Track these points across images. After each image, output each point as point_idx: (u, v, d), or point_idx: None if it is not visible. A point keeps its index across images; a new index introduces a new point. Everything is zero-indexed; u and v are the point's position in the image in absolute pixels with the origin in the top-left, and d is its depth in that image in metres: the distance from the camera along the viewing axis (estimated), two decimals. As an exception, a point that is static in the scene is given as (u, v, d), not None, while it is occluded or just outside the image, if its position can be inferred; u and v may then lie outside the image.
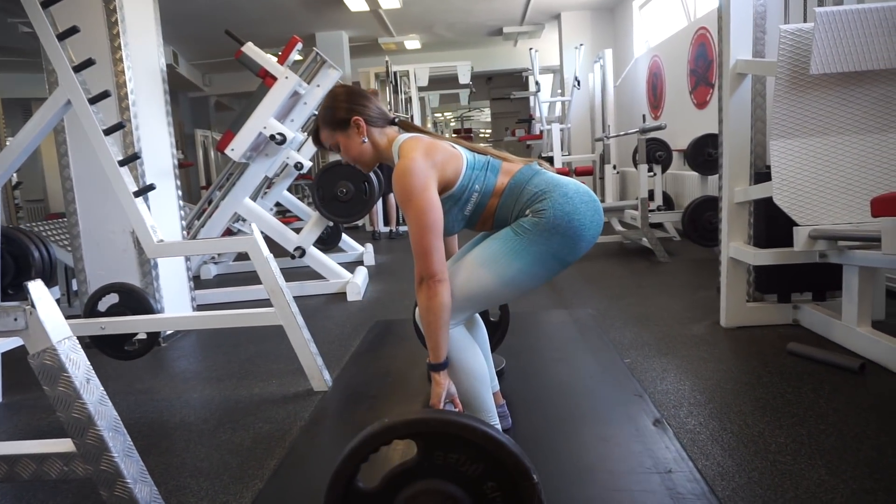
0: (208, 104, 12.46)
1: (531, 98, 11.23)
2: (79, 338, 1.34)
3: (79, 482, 1.78)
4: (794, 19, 2.95)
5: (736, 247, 2.85)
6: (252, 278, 5.00)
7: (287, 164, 4.99)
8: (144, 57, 3.34)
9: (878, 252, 2.20)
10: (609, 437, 1.82)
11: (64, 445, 1.25)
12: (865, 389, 2.11)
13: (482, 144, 1.72)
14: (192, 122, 11.74)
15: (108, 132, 2.40)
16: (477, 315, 1.91)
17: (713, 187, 4.89)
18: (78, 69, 2.39)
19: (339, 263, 4.67)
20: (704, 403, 2.08)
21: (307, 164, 4.76)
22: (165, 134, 3.51)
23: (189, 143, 10.86)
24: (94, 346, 2.63)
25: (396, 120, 1.69)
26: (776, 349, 2.55)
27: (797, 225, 2.45)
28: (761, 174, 2.83)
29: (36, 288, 1.23)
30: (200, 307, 3.93)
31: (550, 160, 7.81)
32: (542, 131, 8.89)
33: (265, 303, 3.05)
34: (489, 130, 17.79)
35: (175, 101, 3.37)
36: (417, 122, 9.96)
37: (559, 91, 9.19)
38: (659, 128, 4.53)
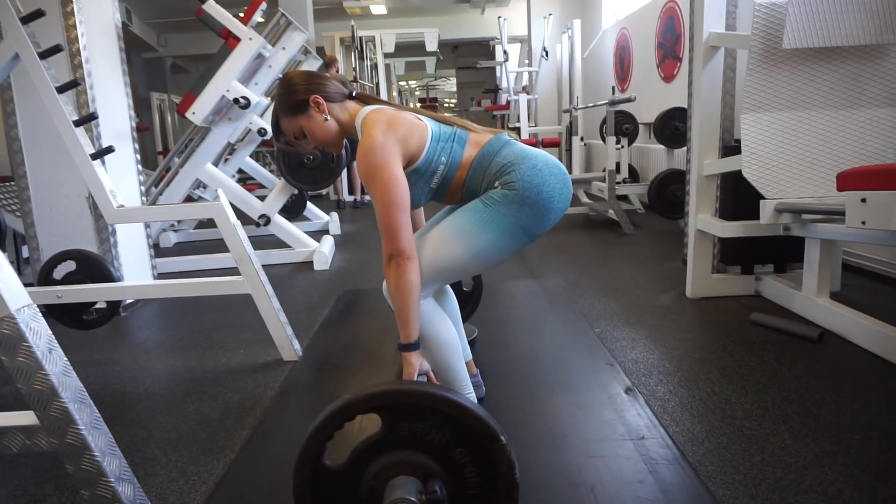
0: (164, 66, 11.96)
1: (498, 68, 11.15)
2: (38, 306, 1.26)
3: (39, 456, 1.71)
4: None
5: (703, 219, 2.89)
6: (214, 247, 4.89)
7: (250, 130, 4.84)
8: (97, 11, 3.16)
9: (840, 225, 2.26)
10: (582, 405, 1.85)
11: (26, 418, 1.19)
12: (824, 357, 2.19)
13: (448, 114, 1.67)
14: (146, 84, 11.26)
15: (61, 90, 2.26)
16: (447, 286, 1.89)
17: (679, 161, 4.95)
18: (26, 20, 2.23)
19: (305, 232, 4.58)
20: (673, 372, 2.13)
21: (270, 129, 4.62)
22: (122, 94, 3.34)
23: (144, 106, 10.43)
24: (51, 315, 2.51)
25: (354, 93, 1.64)
26: (740, 319, 2.62)
27: (764, 198, 2.50)
28: (729, 148, 2.86)
29: (-8, 253, 1.15)
30: (161, 276, 3.81)
31: (517, 131, 7.79)
32: (508, 102, 8.85)
33: (229, 272, 2.97)
34: (455, 100, 17.62)
35: (129, 61, 3.20)
36: (383, 89, 9.79)
37: (527, 61, 9.13)
38: (629, 100, 4.54)
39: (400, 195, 1.43)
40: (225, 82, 3.90)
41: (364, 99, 1.66)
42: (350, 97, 1.63)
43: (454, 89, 17.93)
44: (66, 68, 2.88)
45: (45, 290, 2.37)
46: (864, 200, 1.96)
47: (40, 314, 1.21)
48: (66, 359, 1.21)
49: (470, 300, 2.47)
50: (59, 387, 1.17)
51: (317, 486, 1.02)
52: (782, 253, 2.91)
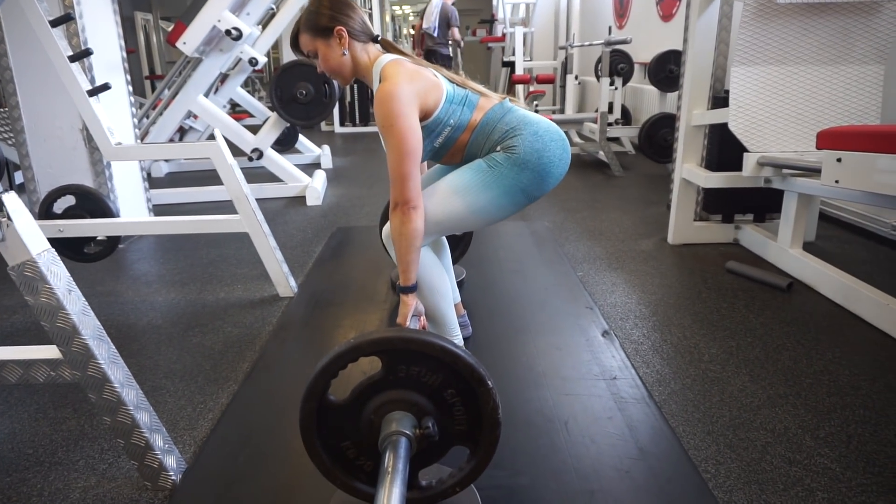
0: (148, -17, 11.45)
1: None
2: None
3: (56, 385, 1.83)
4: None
5: (689, 168, 2.97)
6: (206, 178, 4.92)
7: (241, 60, 4.76)
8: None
9: (817, 181, 2.35)
10: (561, 347, 1.99)
11: (50, 352, 1.30)
12: (791, 305, 2.33)
13: (460, 76, 1.72)
14: (130, 2, 10.82)
15: (54, 23, 2.24)
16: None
17: (671, 104, 4.96)
18: (16, -50, 2.19)
19: (296, 165, 4.60)
20: (648, 316, 2.27)
21: (262, 59, 4.55)
22: (112, 24, 3.28)
23: (128, 26, 10.06)
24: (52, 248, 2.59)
25: (379, 38, 1.66)
26: (716, 267, 2.75)
27: (747, 151, 2.57)
28: (719, 98, 2.90)
29: (11, 200, 1.22)
30: (156, 208, 3.86)
31: (512, 65, 7.68)
32: (504, 34, 8.66)
33: (223, 204, 3.02)
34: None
35: None
36: (376, 15, 9.52)
37: (525, -9, 8.86)
38: (624, 41, 4.50)
39: (415, 146, 1.48)
40: (216, 12, 3.82)
41: (387, 46, 1.67)
42: (374, 41, 1.65)
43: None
44: (56, 4, 2.82)
45: (48, 223, 2.44)
46: (839, 160, 2.05)
47: (59, 258, 1.30)
48: (84, 299, 1.31)
49: (460, 244, 2.57)
50: (79, 325, 1.27)
51: (321, 418, 1.14)
52: (762, 203, 3.01)
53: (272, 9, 4.43)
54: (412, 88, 1.50)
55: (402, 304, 1.56)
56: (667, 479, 1.35)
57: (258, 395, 1.77)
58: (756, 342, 2.04)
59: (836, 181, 2.07)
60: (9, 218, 1.21)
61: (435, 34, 7.76)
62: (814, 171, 2.29)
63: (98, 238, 2.64)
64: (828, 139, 2.12)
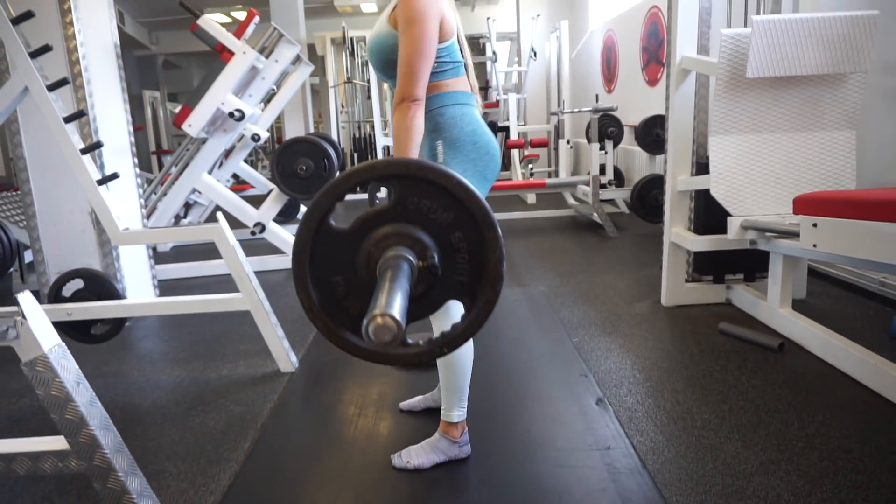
0: (156, 63, 11.97)
1: (488, 63, 11.24)
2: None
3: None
4: (736, 18, 3.12)
5: (677, 232, 3.06)
6: (210, 251, 5.01)
7: (244, 136, 4.97)
8: (97, 34, 3.27)
9: (798, 243, 2.43)
10: (556, 417, 2.02)
11: (58, 443, 1.35)
12: (782, 366, 2.37)
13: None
14: (139, 82, 11.29)
15: (68, 120, 2.39)
16: None
17: (661, 166, 5.11)
18: (34, 55, 2.36)
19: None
20: (642, 381, 2.31)
21: (264, 135, 4.75)
22: (121, 112, 3.46)
23: (137, 104, 10.46)
24: (61, 331, 2.65)
25: None
26: (709, 328, 2.80)
27: (731, 215, 2.67)
28: (702, 164, 3.02)
29: (26, 299, 1.30)
30: (161, 283, 3.95)
31: (507, 130, 7.92)
32: (498, 100, 8.96)
33: (226, 278, 3.10)
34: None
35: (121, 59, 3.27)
36: (374, 86, 9.89)
37: (516, 59, 9.23)
38: (611, 109, 4.69)
39: (430, 48, 1.50)
40: (220, 95, 4.02)
41: None
42: None
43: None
44: (69, 95, 3.00)
45: (56, 307, 2.52)
46: (815, 225, 2.13)
47: (68, 352, 1.37)
48: (92, 391, 1.37)
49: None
50: (87, 416, 1.33)
51: (317, 243, 1.04)
52: (751, 263, 3.08)
53: (273, 89, 4.65)
54: (437, 5, 1.52)
55: None
56: (660, 553, 1.37)
57: (259, 475, 1.80)
58: (748, 405, 2.07)
59: (814, 245, 2.15)
60: (23, 316, 1.29)
61: None
62: (794, 235, 2.38)
63: (105, 319, 2.72)
64: (803, 205, 2.22)
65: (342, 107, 9.70)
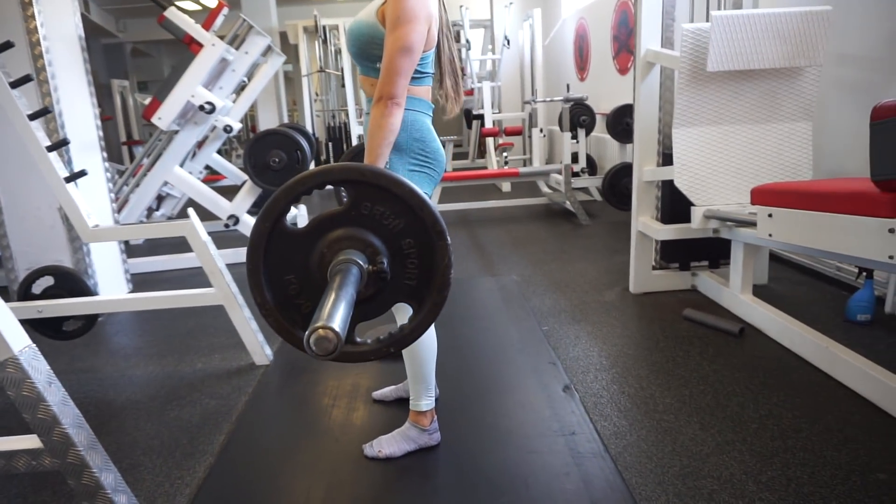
0: (124, 51, 11.74)
1: (463, 50, 11.23)
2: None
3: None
4: (699, 12, 3.19)
5: (643, 221, 3.14)
6: (184, 244, 5.00)
7: (216, 127, 4.93)
8: (60, 26, 3.23)
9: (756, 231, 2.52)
10: (524, 404, 2.09)
11: (31, 442, 1.37)
12: (741, 351, 2.47)
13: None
14: (107, 71, 11.06)
15: (32, 117, 2.37)
16: None
17: (631, 155, 5.19)
18: (-3, 51, 2.33)
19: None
20: (608, 368, 2.38)
21: (237, 126, 4.72)
22: (88, 105, 3.43)
23: (105, 93, 10.26)
24: (32, 328, 2.66)
25: None
26: (674, 314, 2.89)
27: (694, 205, 2.75)
28: (668, 155, 3.10)
29: (-6, 303, 1.32)
30: (134, 276, 3.94)
31: (481, 118, 7.96)
32: (472, 88, 8.98)
33: (200, 270, 3.10)
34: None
35: (87, 48, 3.21)
36: (347, 74, 9.84)
37: (490, 47, 9.25)
38: (581, 99, 4.75)
39: (416, 49, 1.49)
40: (189, 88, 3.99)
41: None
42: None
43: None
44: (34, 90, 2.97)
45: (26, 305, 2.51)
46: (770, 215, 2.22)
47: (39, 352, 1.39)
48: (63, 390, 1.40)
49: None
50: (59, 415, 1.35)
51: (272, 242, 1.09)
52: (715, 251, 3.18)
53: (244, 81, 4.63)
54: (428, 8, 1.54)
55: None
56: (618, 532, 1.44)
57: (234, 468, 1.84)
58: (707, 389, 2.16)
59: (770, 234, 2.24)
60: (-8, 319, 1.30)
61: None
62: (753, 224, 2.46)
63: (77, 315, 2.71)
64: (759, 196, 2.30)
65: (316, 95, 9.63)
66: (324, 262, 1.07)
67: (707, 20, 3.16)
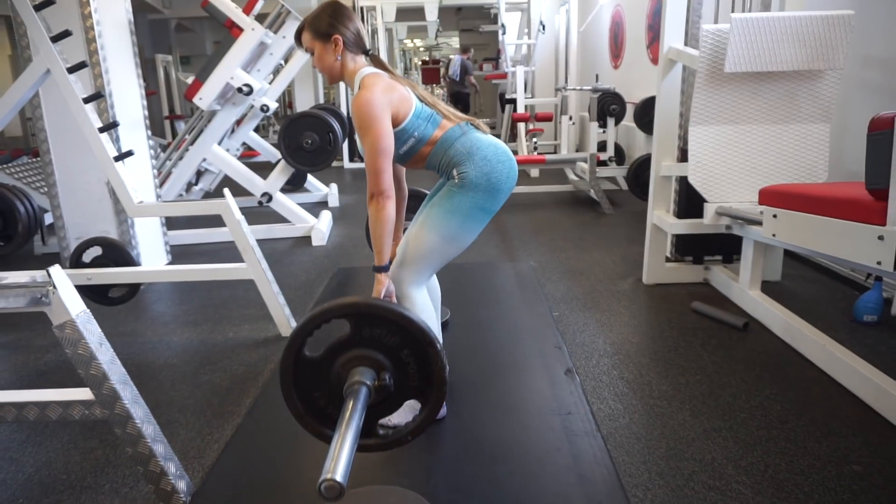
0: (168, 27, 12.02)
1: (499, 31, 11.24)
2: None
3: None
4: (724, 11, 3.22)
5: (658, 215, 3.23)
6: (220, 220, 5.27)
7: (253, 106, 5.13)
8: (112, 11, 3.43)
9: (766, 230, 2.59)
10: (528, 384, 2.23)
11: (84, 394, 1.57)
12: (743, 345, 2.56)
13: (438, 91, 1.99)
14: (151, 46, 11.37)
15: (87, 101, 2.58)
16: (434, 276, 2.23)
17: (658, 145, 5.23)
18: (55, 39, 2.54)
19: (305, 204, 4.91)
20: (611, 354, 2.51)
21: (273, 105, 4.90)
22: (136, 87, 3.65)
23: (150, 68, 10.57)
24: (82, 294, 2.89)
25: (370, 52, 1.90)
26: (683, 307, 2.98)
27: (707, 202, 2.83)
28: (686, 151, 3.16)
29: (56, 272, 1.51)
30: (173, 248, 4.18)
31: (514, 101, 8.01)
32: (506, 72, 9.01)
33: (233, 245, 3.32)
34: (458, 62, 17.52)
35: (134, 23, 3.41)
36: (384, 54, 9.97)
37: (526, 30, 9.23)
38: (609, 91, 4.79)
39: (387, 145, 1.73)
40: (229, 70, 4.18)
41: (374, 61, 1.90)
42: (365, 53, 1.88)
43: (457, 48, 17.87)
44: (87, 74, 3.18)
45: (78, 272, 2.75)
46: (775, 216, 2.30)
47: (92, 317, 1.58)
48: (112, 350, 1.59)
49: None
50: (108, 372, 1.55)
51: (297, 370, 1.35)
52: (729, 246, 3.24)
53: (281, 63, 4.80)
54: (386, 98, 1.75)
55: (376, 283, 1.81)
56: (599, 503, 1.59)
57: (259, 429, 2.03)
58: (704, 379, 2.27)
59: (773, 235, 2.31)
60: (54, 287, 1.50)
61: (457, 79, 11.33)
62: (761, 223, 2.54)
63: (121, 283, 2.95)
64: (767, 196, 2.38)
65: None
66: (340, 380, 1.33)
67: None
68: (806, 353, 2.40)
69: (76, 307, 1.54)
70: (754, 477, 1.70)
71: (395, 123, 1.80)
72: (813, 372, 2.29)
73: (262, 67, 4.52)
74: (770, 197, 2.34)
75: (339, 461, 1.14)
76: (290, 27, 4.46)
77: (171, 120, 10.50)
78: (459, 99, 11.74)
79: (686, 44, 3.10)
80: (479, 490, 1.65)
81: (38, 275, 1.52)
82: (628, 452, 1.84)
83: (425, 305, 1.92)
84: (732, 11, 3.19)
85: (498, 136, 9.73)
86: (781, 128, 2.79)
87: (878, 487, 1.65)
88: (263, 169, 5.14)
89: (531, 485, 1.67)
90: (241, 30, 4.18)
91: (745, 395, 2.14)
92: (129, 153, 2.69)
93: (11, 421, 1.62)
